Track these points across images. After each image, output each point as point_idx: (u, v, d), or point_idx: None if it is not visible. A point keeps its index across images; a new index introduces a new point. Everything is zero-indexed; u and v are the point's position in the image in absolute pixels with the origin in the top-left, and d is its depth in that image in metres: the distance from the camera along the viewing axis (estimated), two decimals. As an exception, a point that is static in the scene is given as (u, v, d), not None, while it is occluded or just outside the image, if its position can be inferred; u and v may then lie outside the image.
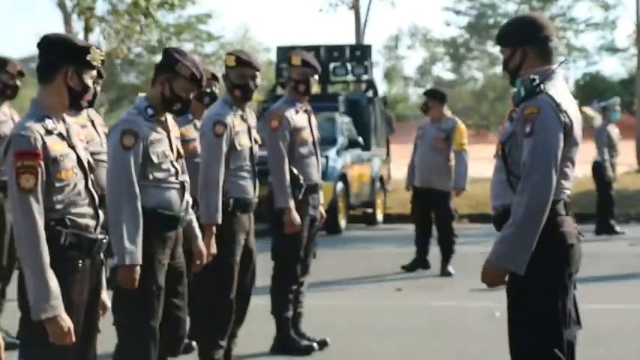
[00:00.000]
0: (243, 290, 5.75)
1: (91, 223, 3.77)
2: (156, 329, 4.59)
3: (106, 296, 4.01)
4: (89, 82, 3.77)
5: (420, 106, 10.61)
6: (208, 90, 6.41)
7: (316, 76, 6.35)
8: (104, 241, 3.83)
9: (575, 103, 3.91)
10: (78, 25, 18.96)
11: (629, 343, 6.64)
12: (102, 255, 3.88)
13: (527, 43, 3.85)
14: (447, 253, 10.05)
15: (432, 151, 10.03)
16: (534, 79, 3.78)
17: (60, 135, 3.71)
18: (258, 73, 5.74)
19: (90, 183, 3.80)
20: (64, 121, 3.78)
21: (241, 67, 5.69)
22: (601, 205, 13.20)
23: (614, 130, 13.05)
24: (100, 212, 3.85)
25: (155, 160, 4.58)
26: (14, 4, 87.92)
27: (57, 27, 19.07)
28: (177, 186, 4.69)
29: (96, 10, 18.84)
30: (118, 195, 4.46)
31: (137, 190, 4.50)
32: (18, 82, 6.69)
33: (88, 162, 3.83)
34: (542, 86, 3.75)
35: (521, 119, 3.76)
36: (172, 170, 4.66)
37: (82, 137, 3.89)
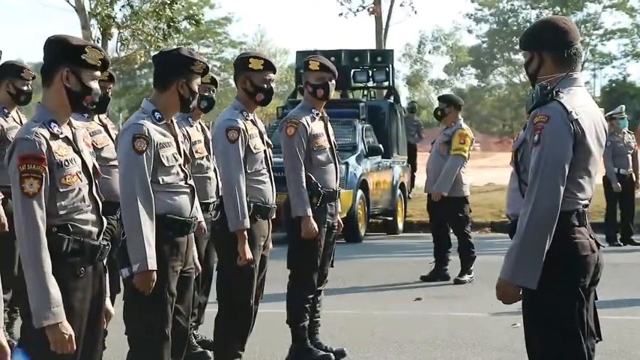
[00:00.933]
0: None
1: (94, 229, 3.71)
2: (169, 336, 4.54)
3: (110, 304, 3.94)
4: (90, 82, 3.69)
5: (435, 112, 10.50)
6: (206, 94, 6.38)
7: (334, 81, 6.28)
8: (107, 247, 3.76)
9: (597, 111, 3.80)
10: (97, 31, 18.99)
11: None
12: (104, 262, 3.81)
13: (545, 47, 3.76)
14: (462, 261, 9.93)
15: (438, 157, 10.01)
16: (546, 86, 3.69)
17: (66, 139, 3.65)
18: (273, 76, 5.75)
19: (94, 189, 3.73)
20: (70, 124, 3.72)
21: (268, 70, 5.66)
22: (607, 215, 13.13)
23: (626, 138, 12.91)
24: (104, 219, 3.78)
25: (166, 163, 4.53)
26: (32, 8, 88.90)
27: (75, 32, 19.09)
28: (188, 190, 4.64)
29: (115, 16, 18.86)
30: (134, 199, 4.39)
31: (152, 194, 4.44)
32: (31, 89, 6.69)
33: (94, 167, 3.76)
34: (554, 93, 3.65)
35: (531, 127, 3.67)
36: (182, 174, 4.61)
37: (88, 142, 3.83)
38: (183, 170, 4.62)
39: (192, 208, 4.63)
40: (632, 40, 51.18)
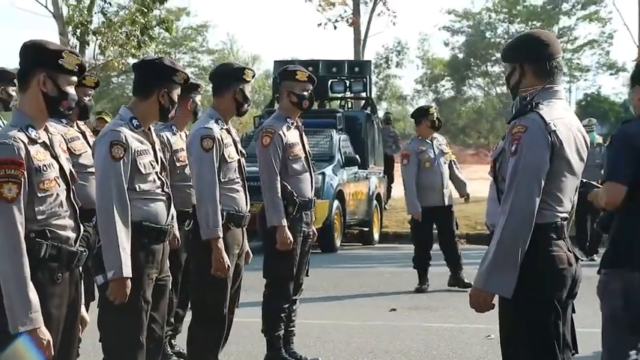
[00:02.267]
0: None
1: (72, 235, 3.69)
2: (144, 344, 4.53)
3: (85, 311, 3.92)
4: (67, 88, 3.67)
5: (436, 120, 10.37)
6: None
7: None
8: (84, 254, 3.74)
9: (577, 123, 3.82)
10: (74, 38, 18.92)
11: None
12: (80, 269, 3.79)
13: (525, 60, 3.79)
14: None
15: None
16: (526, 97, 3.72)
17: (44, 144, 3.63)
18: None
19: (72, 194, 3.71)
20: (47, 130, 3.69)
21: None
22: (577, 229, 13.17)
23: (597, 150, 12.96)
24: (81, 225, 3.76)
25: (143, 170, 4.52)
26: (7, 13, 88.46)
27: (52, 38, 19.03)
28: (164, 198, 4.63)
29: (91, 24, 18.79)
30: (110, 206, 4.37)
31: (128, 201, 4.42)
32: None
33: (71, 173, 3.74)
34: (533, 104, 3.67)
35: (510, 137, 3.69)
36: (158, 182, 4.60)
37: (63, 148, 3.81)
38: (160, 178, 4.61)
39: (168, 216, 4.63)
40: (603, 49, 51.57)
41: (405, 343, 7.40)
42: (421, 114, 10.26)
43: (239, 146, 5.72)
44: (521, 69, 3.79)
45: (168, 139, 6.16)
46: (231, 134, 5.67)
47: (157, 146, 4.66)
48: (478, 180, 18.67)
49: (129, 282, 4.35)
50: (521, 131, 3.63)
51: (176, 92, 4.63)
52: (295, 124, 6.32)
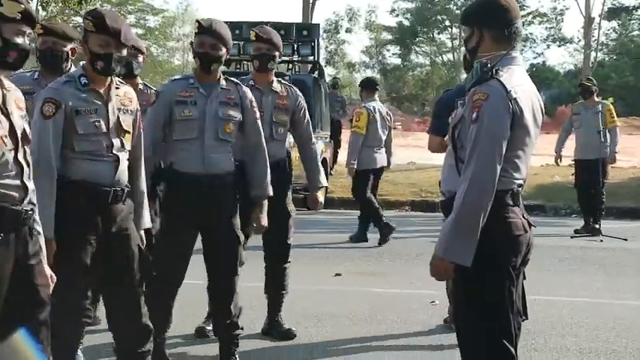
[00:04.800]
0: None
1: (17, 194, 3.55)
2: (79, 306, 4.43)
3: (48, 269, 3.79)
4: (14, 37, 3.51)
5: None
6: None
7: (277, 53, 6.12)
8: (30, 213, 3.62)
9: (534, 90, 3.79)
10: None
11: (567, 335, 6.61)
12: (30, 227, 3.65)
13: (485, 25, 3.75)
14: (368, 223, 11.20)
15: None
16: (486, 64, 3.67)
17: None
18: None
19: (21, 154, 3.57)
20: (1, 86, 3.54)
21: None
22: None
23: None
24: (29, 184, 3.63)
25: (80, 131, 4.37)
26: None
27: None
28: (110, 159, 4.46)
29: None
30: (36, 166, 4.22)
31: (54, 161, 4.29)
32: None
33: (23, 132, 3.59)
34: (494, 71, 3.63)
35: (470, 104, 3.64)
36: (105, 143, 4.44)
37: (21, 105, 3.64)
38: (110, 139, 4.45)
39: (114, 178, 4.47)
40: (553, 23, 52.00)
41: (349, 307, 7.39)
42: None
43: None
44: (480, 34, 3.75)
45: None
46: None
47: (113, 106, 4.46)
48: (424, 147, 18.78)
49: (52, 243, 4.20)
50: (482, 99, 3.58)
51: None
52: (257, 86, 6.14)
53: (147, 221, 4.73)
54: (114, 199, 4.47)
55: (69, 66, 5.61)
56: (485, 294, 3.67)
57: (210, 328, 6.22)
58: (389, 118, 11.48)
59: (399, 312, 7.27)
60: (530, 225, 3.78)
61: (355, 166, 10.93)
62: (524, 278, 3.83)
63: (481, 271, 3.61)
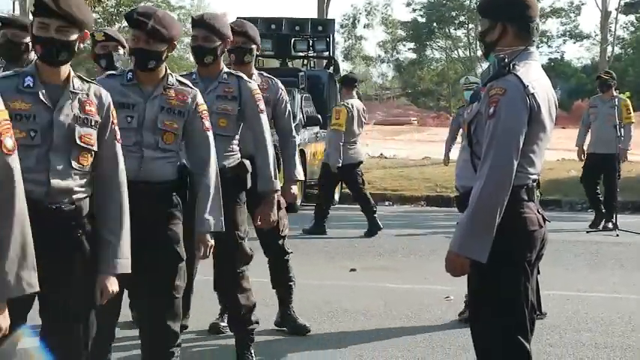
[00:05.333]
0: None
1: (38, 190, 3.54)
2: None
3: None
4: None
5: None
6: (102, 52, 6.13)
7: (253, 46, 5.93)
8: (59, 210, 3.60)
9: (549, 84, 3.78)
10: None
11: (582, 331, 6.57)
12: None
13: (508, 19, 3.71)
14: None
15: None
16: (504, 58, 3.65)
17: None
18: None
19: (59, 154, 3.58)
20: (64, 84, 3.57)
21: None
22: None
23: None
24: (59, 182, 3.61)
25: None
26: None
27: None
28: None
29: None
30: None
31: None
32: None
33: (70, 134, 3.60)
34: (511, 66, 3.61)
35: (487, 99, 3.62)
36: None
37: (88, 108, 3.66)
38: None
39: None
40: (569, 19, 51.79)
41: (364, 302, 7.39)
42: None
43: None
44: (503, 28, 3.72)
45: None
46: None
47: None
48: (439, 142, 18.69)
49: None
50: (500, 93, 3.56)
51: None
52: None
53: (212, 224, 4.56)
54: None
55: (30, 57, 5.57)
56: (500, 290, 3.65)
57: (224, 324, 6.23)
58: (365, 116, 11.87)
59: (413, 307, 7.26)
60: (544, 220, 3.77)
61: (340, 164, 11.25)
62: (539, 273, 3.82)
63: (497, 267, 3.59)
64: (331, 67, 16.66)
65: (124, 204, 3.76)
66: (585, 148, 12.54)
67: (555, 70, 48.26)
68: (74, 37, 3.60)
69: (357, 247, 10.45)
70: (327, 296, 7.62)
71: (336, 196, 15.69)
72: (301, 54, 16.99)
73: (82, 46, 3.72)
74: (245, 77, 5.46)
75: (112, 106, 3.79)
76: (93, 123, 3.69)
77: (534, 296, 3.76)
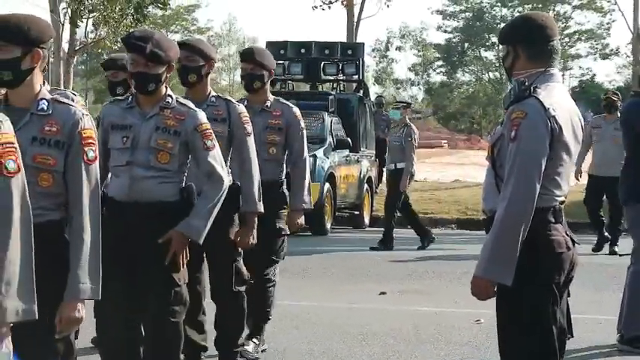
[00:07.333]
0: None
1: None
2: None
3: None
4: None
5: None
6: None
7: (264, 72, 5.99)
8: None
9: (573, 106, 3.78)
10: (64, 16, 18.80)
11: (613, 355, 6.52)
12: None
13: (520, 42, 3.74)
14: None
15: None
16: (524, 82, 3.67)
17: None
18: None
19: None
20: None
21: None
22: None
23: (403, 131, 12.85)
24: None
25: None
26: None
27: (43, 14, 18.90)
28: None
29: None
30: None
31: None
32: None
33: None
34: (532, 89, 3.62)
35: (508, 123, 3.64)
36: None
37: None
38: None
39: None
40: (598, 41, 51.60)
41: (394, 326, 7.37)
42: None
43: None
44: (515, 52, 3.75)
45: None
46: None
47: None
48: (469, 165, 18.71)
49: None
50: (521, 117, 3.58)
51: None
52: (252, 106, 6.03)
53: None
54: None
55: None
56: (527, 311, 3.64)
57: (249, 347, 6.01)
58: None
59: (443, 331, 7.23)
60: (573, 242, 3.76)
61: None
62: (569, 296, 3.80)
63: (524, 289, 3.58)
64: (361, 91, 16.69)
65: (84, 228, 3.50)
66: (586, 168, 12.35)
67: (587, 92, 48.02)
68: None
69: (387, 270, 10.43)
70: (357, 319, 7.61)
71: (366, 220, 15.75)
72: (331, 77, 17.03)
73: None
74: (233, 100, 5.56)
75: (81, 127, 3.51)
76: (52, 143, 3.50)
77: (564, 319, 3.74)
